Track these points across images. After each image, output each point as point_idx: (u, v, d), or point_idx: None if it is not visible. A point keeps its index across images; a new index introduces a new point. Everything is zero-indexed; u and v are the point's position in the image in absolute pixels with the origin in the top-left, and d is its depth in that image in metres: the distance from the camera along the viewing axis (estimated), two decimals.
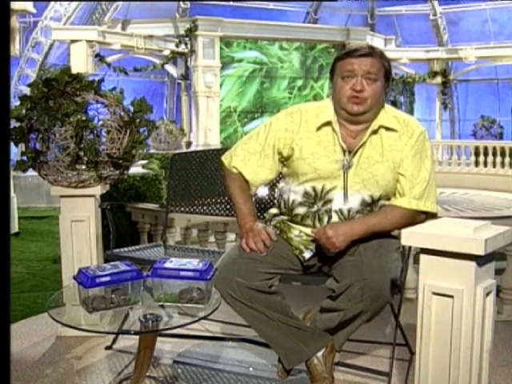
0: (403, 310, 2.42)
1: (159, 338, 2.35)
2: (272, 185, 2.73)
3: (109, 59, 13.20)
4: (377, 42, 15.85)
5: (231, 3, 15.75)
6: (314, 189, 2.18)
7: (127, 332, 2.10)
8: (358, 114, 2.14)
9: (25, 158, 2.90)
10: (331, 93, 2.24)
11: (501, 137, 14.92)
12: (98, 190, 2.99)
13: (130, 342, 2.80)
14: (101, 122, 2.89)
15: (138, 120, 2.97)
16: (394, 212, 2.15)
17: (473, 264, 1.63)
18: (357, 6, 17.14)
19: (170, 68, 15.00)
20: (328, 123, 2.19)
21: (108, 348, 2.83)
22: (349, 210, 2.16)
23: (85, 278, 1.95)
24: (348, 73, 2.13)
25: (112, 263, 2.08)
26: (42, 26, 12.58)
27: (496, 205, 10.68)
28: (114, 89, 3.05)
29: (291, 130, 2.22)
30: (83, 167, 2.89)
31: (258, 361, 2.69)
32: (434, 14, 16.63)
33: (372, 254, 2.09)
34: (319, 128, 2.19)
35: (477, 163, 13.63)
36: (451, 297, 1.66)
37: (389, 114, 2.20)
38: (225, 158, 2.36)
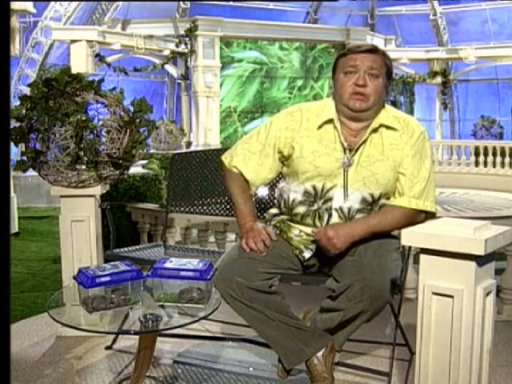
0: (403, 310, 2.42)
1: (159, 338, 2.35)
2: (272, 185, 2.73)
3: (109, 59, 13.19)
4: (377, 41, 15.84)
5: (231, 3, 15.75)
6: (314, 187, 2.18)
7: (127, 332, 2.10)
8: (360, 110, 2.14)
9: (25, 158, 2.90)
10: (332, 91, 2.25)
11: (501, 137, 14.92)
12: (98, 190, 2.99)
13: (130, 342, 2.80)
14: (101, 122, 2.89)
15: (138, 120, 2.97)
16: (393, 212, 2.16)
17: (473, 264, 1.63)
18: (357, 5, 17.14)
19: (170, 68, 15.00)
20: (329, 121, 2.19)
21: (108, 348, 2.83)
22: (349, 209, 2.16)
23: (85, 278, 1.95)
24: (351, 68, 2.14)
25: (112, 263, 2.08)
26: (41, 25, 12.58)
27: (496, 205, 10.68)
28: (114, 89, 3.05)
29: (292, 128, 2.23)
30: (83, 167, 2.89)
31: (258, 361, 2.69)
32: (434, 14, 16.63)
33: (372, 254, 2.09)
34: (320, 126, 2.20)
35: (477, 163, 13.63)
36: (451, 297, 1.66)
37: (389, 114, 2.21)
38: (225, 158, 2.36)
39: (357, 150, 2.16)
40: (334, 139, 2.18)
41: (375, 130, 2.18)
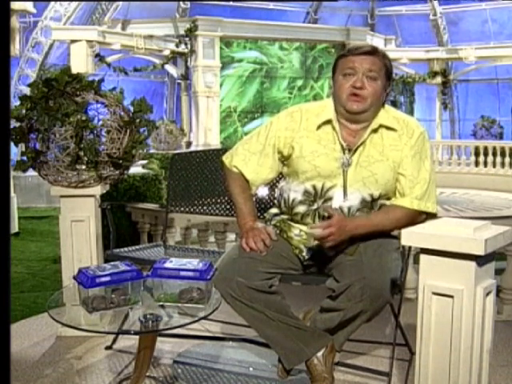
0: (403, 310, 2.42)
1: (159, 338, 2.35)
2: (272, 185, 2.73)
3: (109, 59, 13.19)
4: (377, 41, 15.84)
5: (231, 3, 15.75)
6: (314, 187, 2.19)
7: (127, 332, 2.10)
8: (357, 112, 2.15)
9: (25, 157, 2.90)
10: (332, 91, 2.25)
11: (501, 137, 14.92)
12: (98, 190, 2.99)
13: (130, 342, 2.80)
14: (101, 122, 2.89)
15: (138, 120, 2.97)
16: (395, 212, 2.16)
17: (473, 264, 1.63)
18: (357, 6, 17.14)
19: (170, 68, 15.00)
20: (328, 122, 2.20)
21: (108, 348, 2.83)
22: (349, 208, 2.16)
23: (85, 278, 1.95)
24: (349, 70, 2.14)
25: (112, 263, 2.08)
26: (42, 25, 12.58)
27: (496, 205, 10.68)
28: (114, 89, 3.05)
29: (291, 128, 2.23)
30: (83, 167, 2.89)
31: (258, 361, 2.69)
32: (434, 14, 16.63)
33: (372, 254, 2.09)
34: (319, 127, 2.20)
35: (477, 163, 13.63)
36: (451, 297, 1.66)
37: (389, 114, 2.21)
38: (225, 158, 2.37)
39: (356, 150, 2.16)
40: (333, 140, 2.19)
41: (375, 131, 2.18)
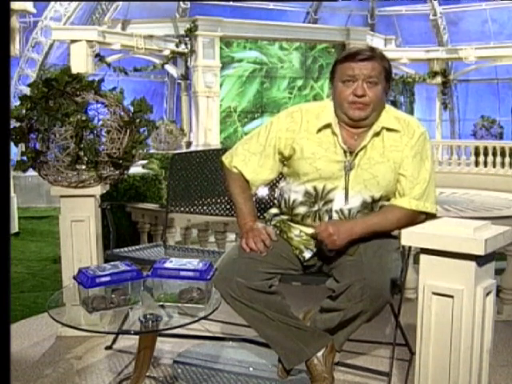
0: (403, 310, 2.42)
1: (159, 338, 2.35)
2: (272, 185, 2.73)
3: (109, 59, 13.20)
4: (377, 42, 15.85)
5: (231, 3, 15.75)
6: (314, 188, 2.18)
7: (127, 332, 2.10)
8: (360, 119, 2.14)
9: (25, 158, 2.90)
10: (332, 94, 2.24)
11: (501, 137, 14.93)
12: (98, 190, 2.99)
13: (130, 342, 2.80)
14: (101, 122, 2.89)
15: (138, 120, 2.97)
16: (394, 212, 2.16)
17: (473, 264, 1.63)
18: (357, 5, 17.14)
19: (170, 68, 15.00)
20: (328, 125, 2.19)
21: (108, 348, 2.83)
22: (349, 210, 2.16)
23: (85, 278, 1.95)
24: (349, 77, 2.12)
25: (112, 263, 2.08)
26: (42, 25, 12.58)
27: (496, 205, 10.68)
28: (114, 89, 3.05)
29: (292, 129, 2.22)
30: (83, 167, 2.89)
31: (258, 361, 2.69)
32: (434, 14, 16.63)
33: (372, 254, 2.09)
34: (319, 130, 2.19)
35: (477, 163, 13.64)
36: (451, 297, 1.66)
37: (390, 115, 2.20)
38: (225, 158, 2.37)
39: (357, 154, 2.16)
40: (334, 143, 2.18)
41: (377, 134, 2.17)
